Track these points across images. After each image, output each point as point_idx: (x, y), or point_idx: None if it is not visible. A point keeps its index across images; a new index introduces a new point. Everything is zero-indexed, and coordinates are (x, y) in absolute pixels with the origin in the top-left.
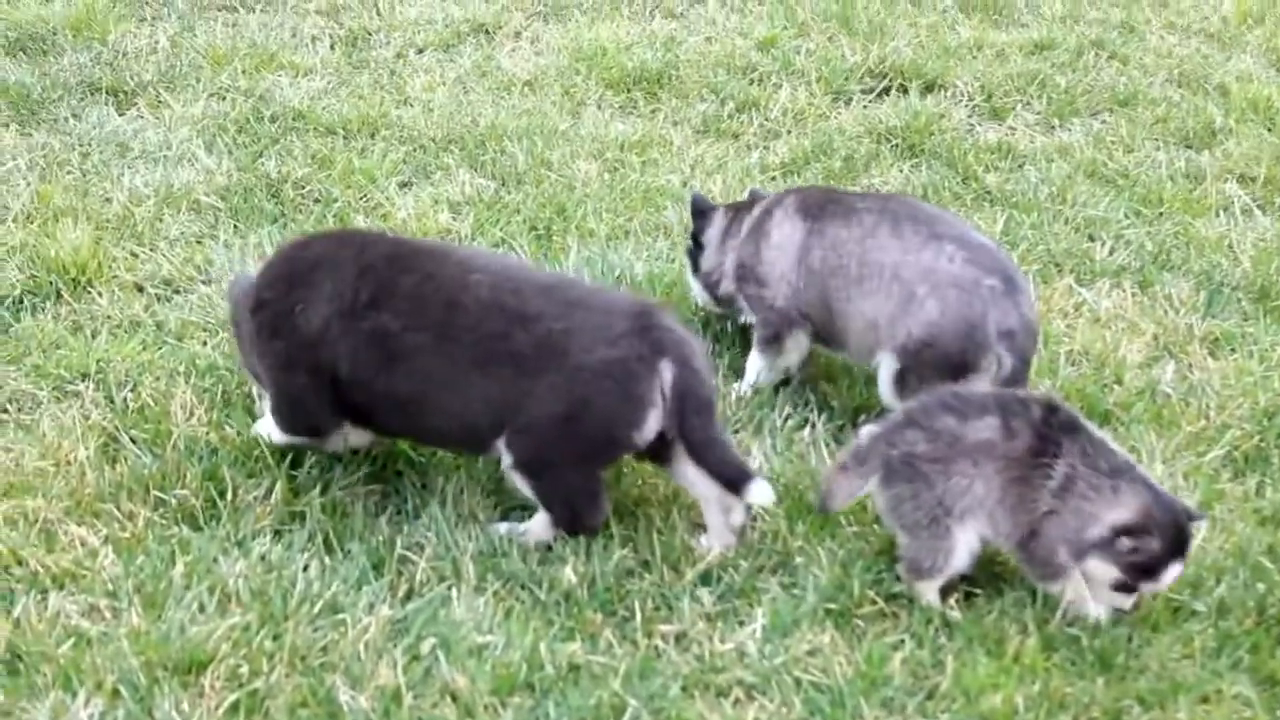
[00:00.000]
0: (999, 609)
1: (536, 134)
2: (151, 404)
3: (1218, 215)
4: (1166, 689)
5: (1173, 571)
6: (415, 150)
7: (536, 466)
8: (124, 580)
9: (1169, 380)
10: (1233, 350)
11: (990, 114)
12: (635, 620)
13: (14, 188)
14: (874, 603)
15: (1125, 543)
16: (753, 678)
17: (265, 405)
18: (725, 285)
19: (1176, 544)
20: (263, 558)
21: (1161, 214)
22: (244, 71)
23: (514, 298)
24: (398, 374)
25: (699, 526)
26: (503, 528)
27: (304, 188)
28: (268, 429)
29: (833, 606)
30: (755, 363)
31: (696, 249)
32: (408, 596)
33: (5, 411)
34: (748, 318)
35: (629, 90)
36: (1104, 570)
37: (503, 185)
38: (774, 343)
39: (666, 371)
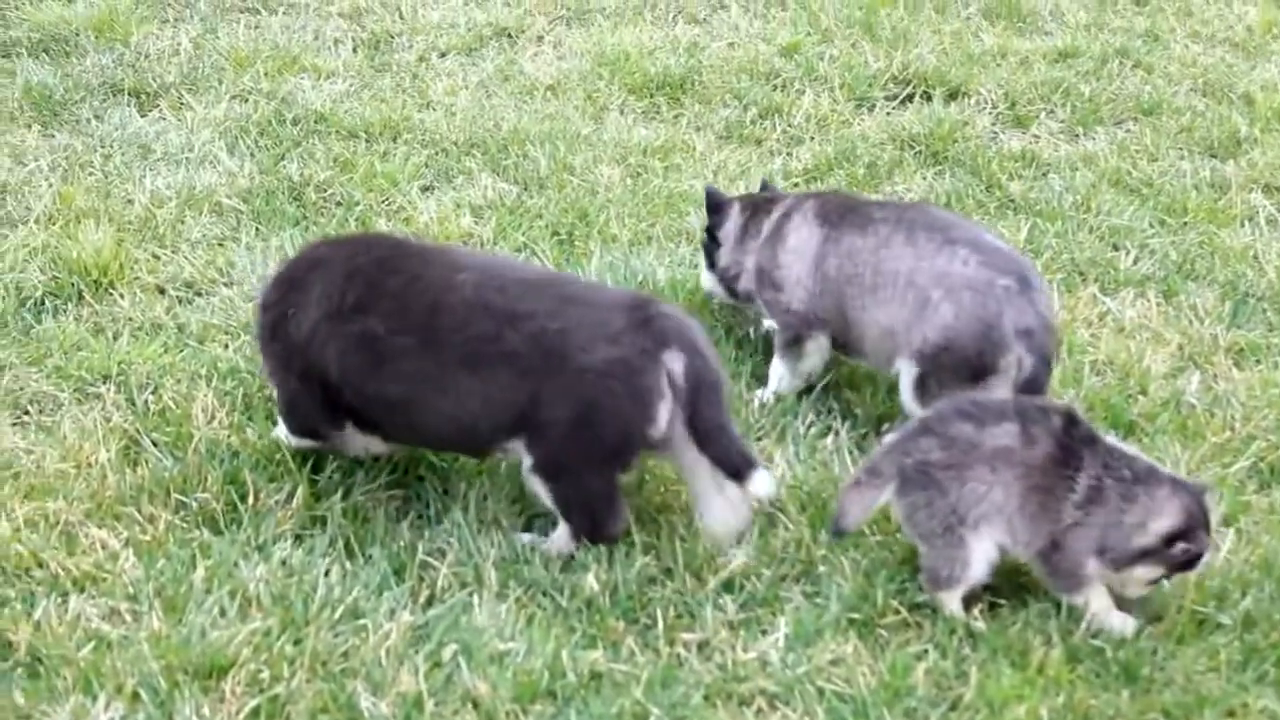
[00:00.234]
0: (1023, 620)
1: (559, 138)
2: (173, 407)
3: (1243, 225)
4: (1192, 702)
5: (1208, 554)
6: (437, 154)
7: (553, 470)
8: (145, 583)
9: (1194, 391)
10: (1258, 361)
11: (1014, 122)
12: (657, 628)
13: (36, 189)
14: (897, 612)
15: (1181, 547)
16: (775, 687)
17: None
18: (744, 283)
19: (1209, 527)
20: (284, 562)
21: (1186, 223)
22: (266, 74)
23: (501, 296)
24: (385, 377)
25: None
26: (525, 537)
27: (326, 191)
28: (282, 431)
29: (856, 616)
30: (777, 368)
31: (712, 244)
32: (429, 602)
33: (27, 413)
34: (768, 323)
35: (652, 95)
36: (1149, 573)
37: (525, 190)
38: (794, 345)
39: (675, 362)
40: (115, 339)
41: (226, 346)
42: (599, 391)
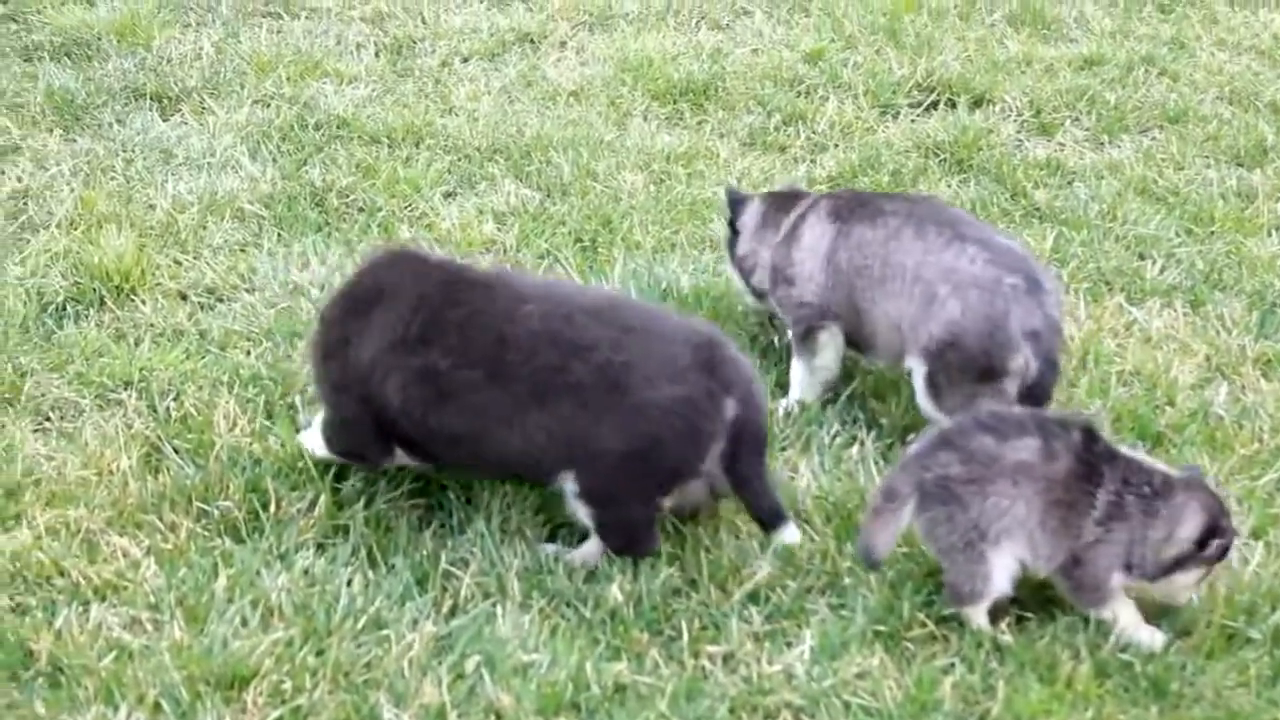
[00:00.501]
0: (1051, 634)
1: (582, 145)
2: (194, 413)
3: (1270, 234)
4: (1222, 717)
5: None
6: (460, 160)
7: (601, 498)
8: (166, 592)
9: (1222, 402)
10: None
11: (1039, 130)
12: (682, 640)
13: (58, 193)
14: (924, 625)
15: (1214, 544)
16: (801, 700)
17: (314, 417)
18: (759, 277)
19: (1228, 513)
20: (306, 571)
21: (1213, 233)
22: (288, 78)
23: (568, 326)
24: (450, 411)
25: (748, 543)
26: (549, 548)
27: (348, 196)
28: (313, 442)
29: (882, 629)
30: (797, 369)
31: (734, 235)
32: (452, 613)
33: (48, 419)
34: (786, 329)
35: (675, 101)
36: (1191, 577)
37: (548, 196)
38: (807, 339)
39: (730, 409)
40: (137, 345)
41: (248, 353)
42: (660, 427)
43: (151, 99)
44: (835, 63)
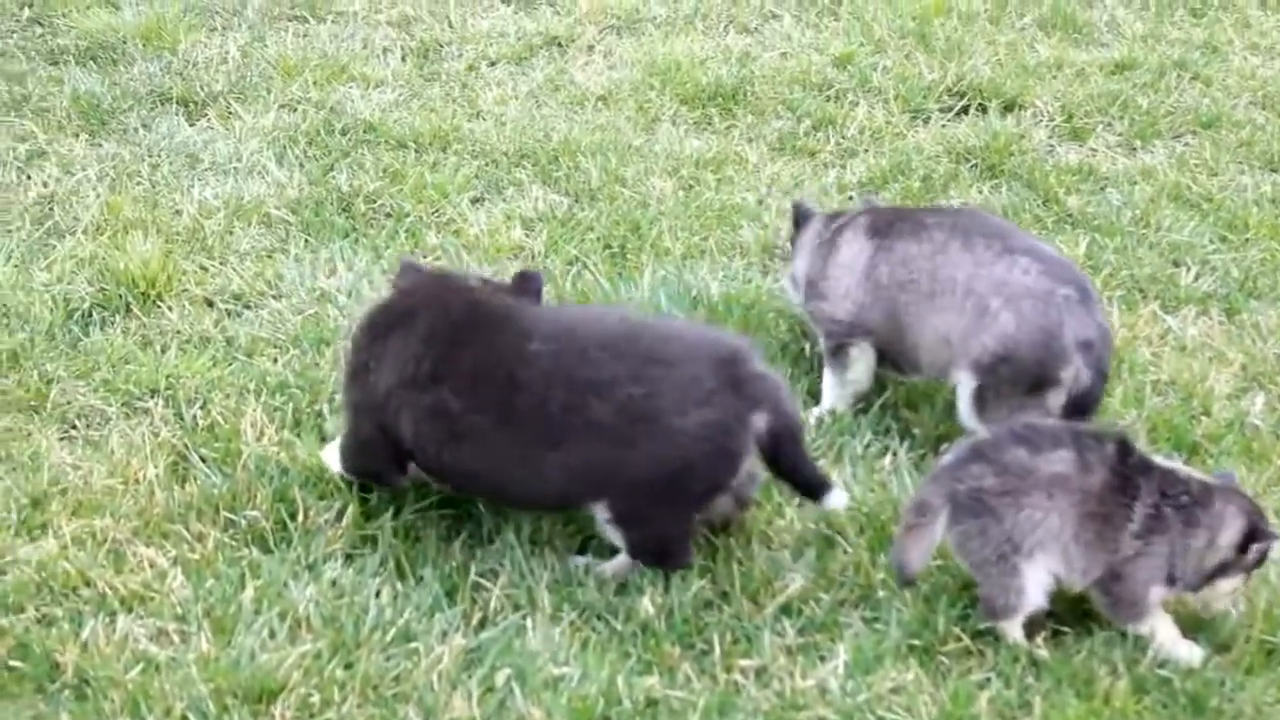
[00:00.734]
0: (1088, 648)
1: (610, 150)
2: (221, 422)
3: None
4: None
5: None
6: (487, 165)
7: (634, 521)
8: (193, 604)
9: (1258, 412)
10: None
11: (1071, 135)
12: (714, 654)
13: (83, 199)
14: (959, 639)
15: (1256, 548)
16: (835, 716)
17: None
18: (803, 295)
19: (1264, 514)
20: (334, 583)
21: (1248, 240)
22: (315, 83)
23: (583, 364)
24: (464, 450)
25: (780, 554)
26: (581, 561)
27: (375, 202)
28: (333, 458)
29: (917, 643)
30: (828, 380)
31: (793, 251)
32: (481, 625)
33: (74, 427)
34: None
35: (704, 106)
36: (1232, 583)
37: (576, 202)
38: (839, 354)
39: (760, 422)
40: (163, 352)
41: (275, 360)
42: (692, 453)
43: (177, 103)
44: (865, 67)
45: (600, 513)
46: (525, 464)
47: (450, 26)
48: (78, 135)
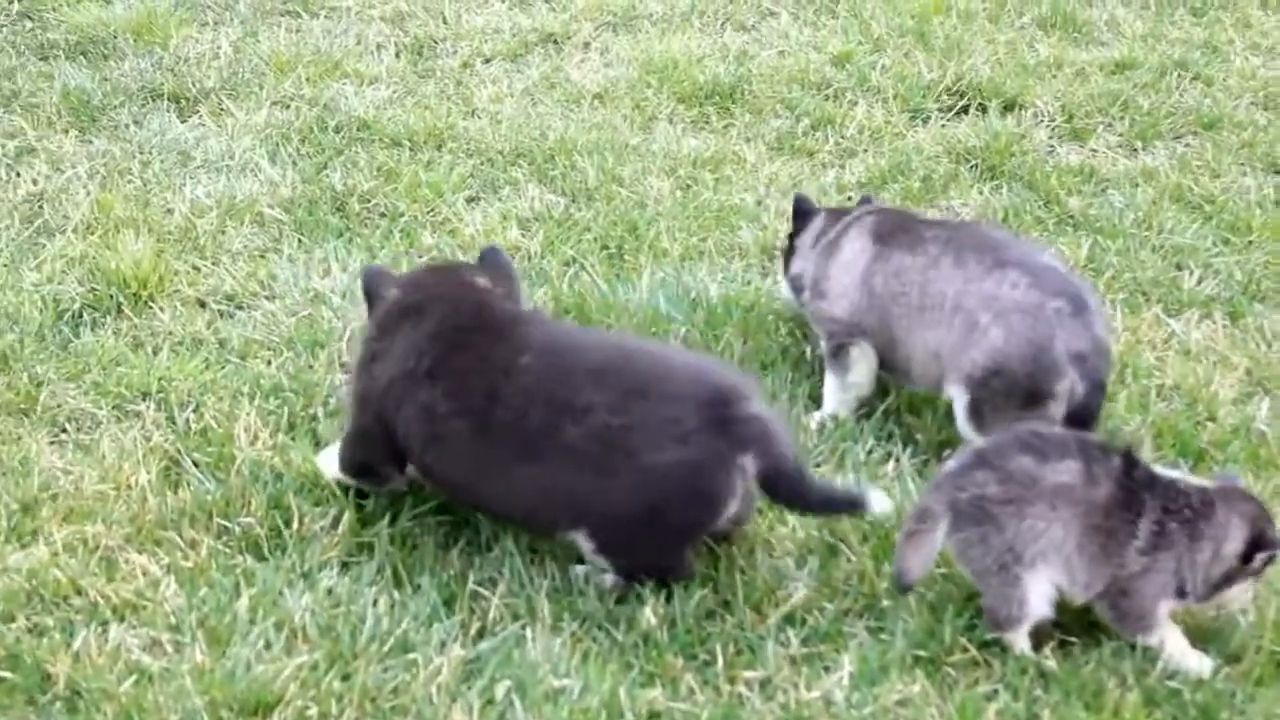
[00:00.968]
0: (1096, 659)
1: (607, 149)
2: (214, 426)
3: None
4: None
5: None
6: (483, 163)
7: (619, 553)
8: (187, 613)
9: (1264, 418)
10: None
11: (1071, 135)
12: (717, 665)
13: (74, 197)
14: (965, 650)
15: (1261, 556)
16: None
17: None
18: (804, 294)
19: (1270, 518)
20: (330, 591)
21: (1251, 242)
22: (308, 79)
23: (563, 386)
24: (444, 454)
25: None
26: (581, 569)
27: (369, 201)
28: (328, 463)
29: (922, 653)
30: (829, 384)
31: (790, 250)
32: (480, 635)
33: (64, 431)
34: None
35: (701, 105)
36: (1241, 590)
37: (573, 202)
38: (839, 355)
39: (750, 465)
40: (155, 354)
41: (269, 363)
42: (666, 492)
43: (169, 100)
44: (863, 66)
45: (583, 542)
46: (498, 477)
47: (445, 23)
48: (68, 132)
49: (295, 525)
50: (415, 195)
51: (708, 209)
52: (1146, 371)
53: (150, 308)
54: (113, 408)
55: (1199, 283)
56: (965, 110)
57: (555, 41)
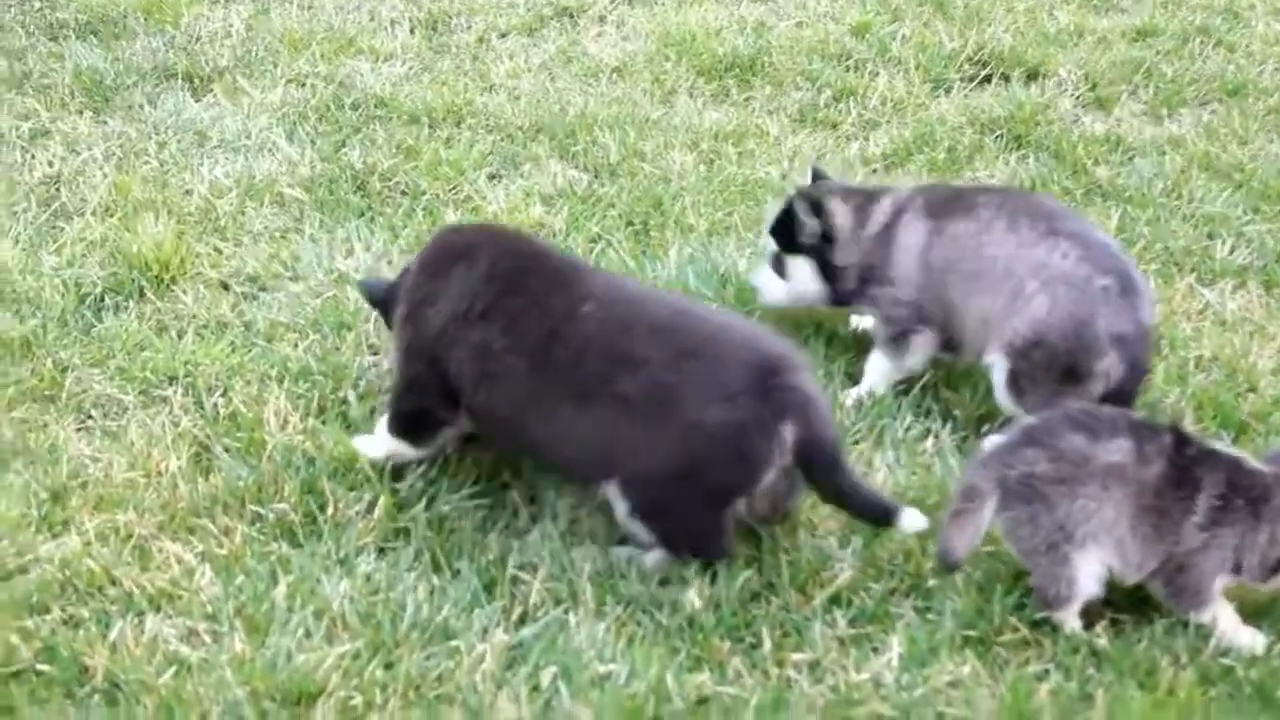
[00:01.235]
0: (1149, 637)
1: (628, 123)
2: (243, 410)
3: None
4: None
5: None
6: (503, 139)
7: (653, 515)
8: (224, 602)
9: None
10: None
11: (1095, 103)
12: (764, 648)
13: (90, 179)
14: (1016, 629)
15: None
16: (892, 711)
17: (378, 420)
18: (848, 282)
19: None
20: (368, 578)
21: None
22: (322, 56)
23: (623, 337)
24: (496, 391)
25: (826, 542)
26: (623, 552)
27: (390, 180)
28: (367, 445)
29: (972, 633)
30: (878, 364)
31: (825, 245)
32: (521, 620)
33: (91, 418)
34: (856, 320)
35: (720, 77)
36: None
37: (595, 177)
38: (899, 341)
39: (788, 434)
40: (180, 338)
41: (296, 345)
42: (707, 450)
43: (182, 79)
44: (883, 36)
45: (618, 501)
46: (547, 417)
47: None
48: (81, 113)
49: (330, 511)
50: (436, 173)
51: (732, 183)
52: (1183, 343)
53: (173, 291)
54: (139, 393)
55: (1231, 252)
56: (988, 80)
57: (570, 15)
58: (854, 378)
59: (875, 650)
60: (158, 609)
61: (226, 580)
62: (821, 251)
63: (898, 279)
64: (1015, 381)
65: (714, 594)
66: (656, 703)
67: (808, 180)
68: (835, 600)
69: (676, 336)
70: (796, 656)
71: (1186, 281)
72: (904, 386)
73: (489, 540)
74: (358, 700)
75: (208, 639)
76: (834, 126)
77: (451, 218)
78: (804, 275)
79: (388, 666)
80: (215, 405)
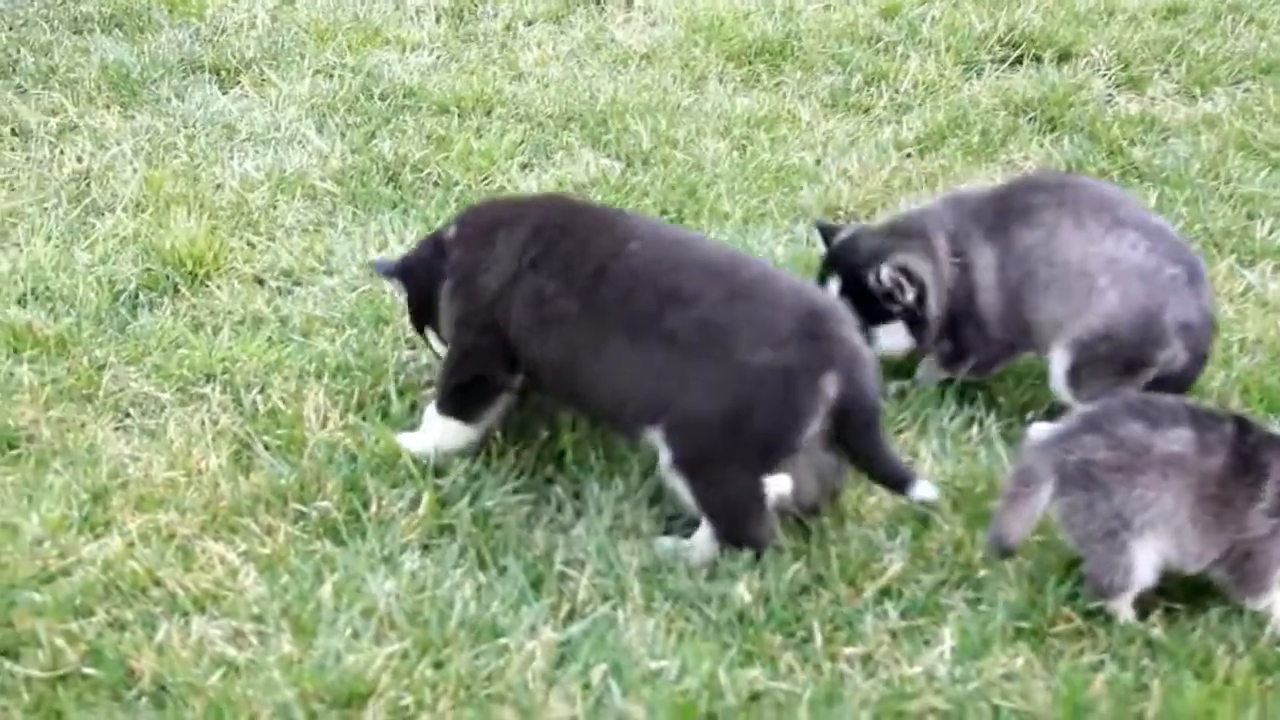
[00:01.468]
0: (1203, 626)
1: (659, 110)
2: (282, 407)
3: None
4: None
5: None
6: (533, 128)
7: (695, 465)
8: (269, 602)
9: None
10: None
11: (1128, 83)
12: (815, 642)
13: (120, 174)
14: (1069, 620)
15: None
16: (946, 704)
17: (424, 414)
18: (933, 332)
19: None
20: (413, 576)
21: None
22: (349, 46)
23: (671, 275)
24: (550, 338)
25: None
26: (667, 543)
27: (422, 170)
28: (413, 441)
29: (1025, 625)
30: (937, 370)
31: (919, 308)
32: (569, 617)
33: (128, 416)
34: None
35: (750, 62)
36: None
37: (628, 166)
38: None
39: (830, 386)
40: (216, 334)
41: (333, 340)
42: (752, 393)
43: (209, 71)
44: (913, 18)
45: (661, 449)
46: (598, 357)
47: None
48: (109, 107)
49: (373, 508)
50: (468, 163)
51: (766, 169)
52: (1226, 325)
53: (207, 286)
54: (176, 390)
55: (1271, 232)
56: (1019, 61)
57: (597, 1)
58: (893, 370)
59: (927, 643)
60: (203, 610)
61: (271, 580)
62: (913, 311)
63: (981, 313)
64: (1075, 373)
65: (763, 588)
66: (709, 699)
67: (820, 242)
68: (886, 592)
69: (728, 277)
70: (848, 650)
71: (1227, 262)
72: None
73: (534, 536)
74: (408, 701)
75: (254, 640)
76: (866, 111)
77: None
78: (896, 339)
79: (437, 666)
80: (254, 402)
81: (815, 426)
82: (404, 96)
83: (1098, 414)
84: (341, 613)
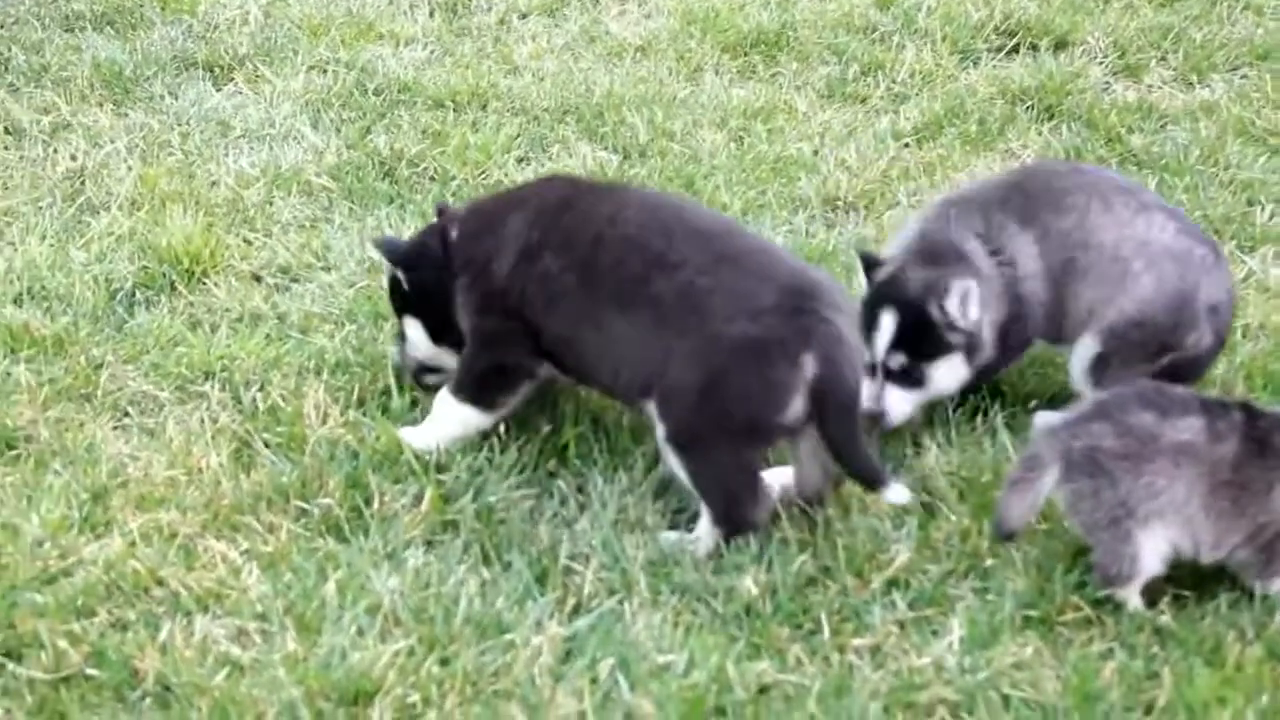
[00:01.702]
0: (1213, 613)
1: (655, 102)
2: (282, 404)
3: None
4: None
5: None
6: (529, 122)
7: (684, 440)
8: (273, 600)
9: None
10: None
11: (1125, 71)
12: (823, 634)
13: (115, 172)
14: (1078, 608)
15: None
16: (956, 695)
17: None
18: (986, 351)
19: None
20: (418, 572)
21: None
22: (343, 41)
23: (660, 239)
24: (558, 313)
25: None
26: (672, 537)
27: (418, 165)
28: (415, 436)
29: (1033, 613)
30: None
31: (964, 337)
32: (575, 612)
33: (127, 415)
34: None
35: (746, 54)
36: None
37: (626, 158)
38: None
39: (808, 366)
40: (213, 332)
41: (332, 337)
42: (728, 363)
43: (203, 68)
44: (909, 8)
45: (655, 422)
46: (595, 328)
47: None
48: (102, 105)
49: (376, 504)
50: (464, 158)
51: (764, 161)
52: None
53: (204, 284)
54: (175, 389)
55: (1271, 219)
56: (1016, 50)
57: None
58: None
59: (935, 633)
60: (206, 609)
61: (274, 578)
62: (975, 335)
63: (1029, 301)
64: (1103, 361)
65: (770, 580)
66: (718, 692)
67: (861, 273)
68: (893, 583)
69: (718, 244)
70: (856, 642)
71: (1227, 249)
72: None
73: (538, 530)
74: (415, 698)
75: (258, 639)
76: (863, 101)
77: None
78: (953, 372)
79: (443, 663)
80: (253, 400)
81: (799, 406)
82: (399, 91)
83: (1109, 402)
84: (346, 610)
